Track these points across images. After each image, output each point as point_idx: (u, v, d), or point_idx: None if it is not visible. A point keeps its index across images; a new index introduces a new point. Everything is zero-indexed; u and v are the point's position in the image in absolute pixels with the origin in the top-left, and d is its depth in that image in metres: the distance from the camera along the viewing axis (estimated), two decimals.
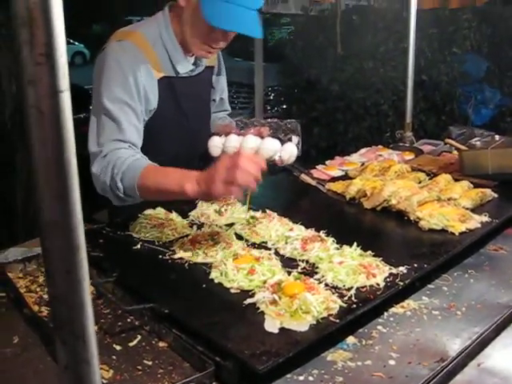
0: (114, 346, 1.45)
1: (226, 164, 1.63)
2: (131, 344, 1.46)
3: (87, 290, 0.61)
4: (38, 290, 1.72)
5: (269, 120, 2.37)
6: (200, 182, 1.69)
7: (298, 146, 2.30)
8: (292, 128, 2.33)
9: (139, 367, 1.36)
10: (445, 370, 1.33)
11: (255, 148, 2.19)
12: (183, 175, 1.76)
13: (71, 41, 21.39)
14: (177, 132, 2.24)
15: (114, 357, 1.40)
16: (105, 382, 1.30)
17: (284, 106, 7.24)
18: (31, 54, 0.53)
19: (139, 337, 1.49)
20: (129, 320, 1.57)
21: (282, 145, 2.24)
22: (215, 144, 2.26)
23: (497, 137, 3.02)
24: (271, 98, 7.53)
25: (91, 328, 0.63)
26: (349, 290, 1.56)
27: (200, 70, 2.33)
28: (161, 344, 1.46)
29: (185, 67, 2.21)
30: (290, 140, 2.28)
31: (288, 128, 2.33)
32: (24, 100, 0.54)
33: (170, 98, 2.19)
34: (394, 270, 1.68)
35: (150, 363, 1.38)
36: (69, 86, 0.55)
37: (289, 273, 1.65)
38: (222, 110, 2.69)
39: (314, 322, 1.41)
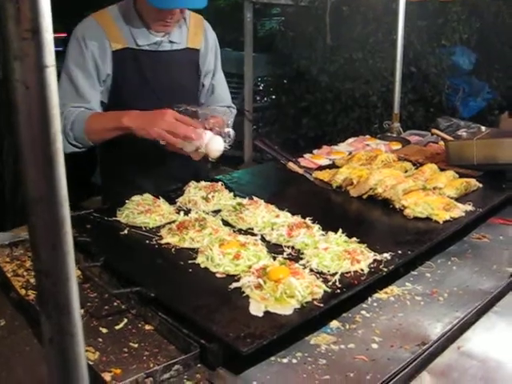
0: (101, 328, 1.46)
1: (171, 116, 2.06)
2: (117, 327, 1.47)
3: (72, 264, 0.62)
4: (24, 274, 1.72)
5: (204, 109, 2.34)
6: (141, 119, 2.10)
7: (229, 139, 2.25)
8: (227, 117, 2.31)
9: (125, 349, 1.37)
10: (425, 353, 1.36)
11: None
12: (121, 112, 2.15)
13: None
14: (145, 104, 2.26)
15: (101, 339, 1.41)
16: (91, 363, 1.31)
17: (273, 97, 7.23)
18: (17, 29, 0.54)
19: (125, 320, 1.50)
20: (115, 304, 1.58)
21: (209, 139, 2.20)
22: None
23: (483, 128, 3.06)
24: (261, 88, 7.51)
25: (75, 301, 0.64)
26: (333, 275, 1.59)
27: (173, 47, 2.41)
28: (147, 327, 1.47)
29: (146, 40, 2.34)
30: (219, 133, 2.23)
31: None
32: (10, 75, 0.55)
33: (133, 69, 2.34)
34: (379, 257, 1.71)
35: (135, 346, 1.39)
36: (55, 62, 0.56)
37: (274, 258, 1.66)
38: (223, 105, 2.66)
39: (299, 306, 1.43)
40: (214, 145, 2.19)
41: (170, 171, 2.44)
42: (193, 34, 2.47)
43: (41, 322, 0.65)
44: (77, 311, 0.66)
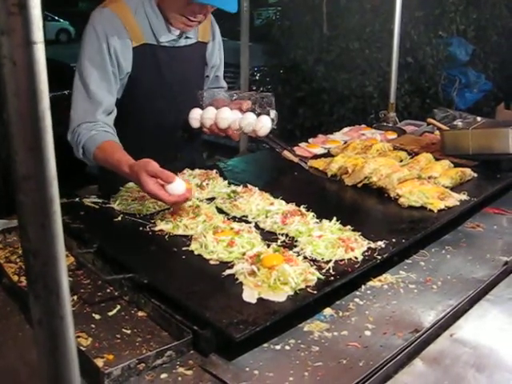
0: (94, 315, 1.46)
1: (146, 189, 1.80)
2: (110, 313, 1.47)
3: (61, 244, 0.61)
4: (17, 260, 1.72)
5: (246, 93, 2.45)
6: (133, 174, 1.85)
7: (274, 120, 2.36)
8: (268, 102, 2.39)
9: (118, 336, 1.37)
10: (418, 340, 1.36)
11: (229, 119, 2.30)
12: (124, 160, 1.93)
13: (56, 18, 21.04)
14: (160, 101, 2.30)
15: (93, 326, 1.41)
16: (83, 349, 1.31)
17: (269, 86, 7.20)
18: (4, 3, 0.53)
19: (118, 306, 1.50)
20: (108, 290, 1.58)
21: (258, 117, 2.32)
22: (194, 116, 2.35)
23: (478, 118, 3.06)
24: (257, 78, 7.48)
25: (65, 282, 0.63)
26: (327, 262, 1.59)
27: (187, 43, 2.37)
28: (140, 313, 1.47)
29: (166, 37, 2.26)
30: (266, 114, 2.34)
31: (264, 101, 2.38)
32: None
33: (151, 66, 2.25)
34: (373, 245, 1.70)
35: (128, 332, 1.39)
36: (43, 39, 0.55)
37: (268, 245, 1.66)
38: (217, 87, 2.68)
39: (292, 293, 1.43)
40: (264, 122, 2.29)
41: (166, 161, 2.43)
42: (202, 27, 2.42)
43: (29, 304, 0.64)
44: (66, 293, 0.65)
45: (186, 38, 2.36)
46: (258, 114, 2.33)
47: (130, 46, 2.18)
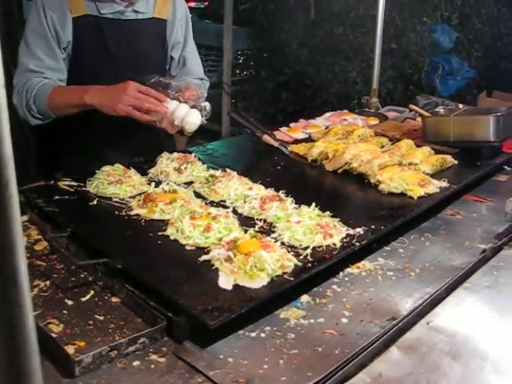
0: (66, 300, 1.43)
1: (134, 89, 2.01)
2: (83, 299, 1.44)
3: (18, 229, 0.58)
4: None
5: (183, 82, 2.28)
6: (103, 96, 2.05)
7: (207, 112, 2.23)
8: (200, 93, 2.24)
9: (90, 322, 1.34)
10: (395, 328, 1.35)
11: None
12: (84, 89, 2.11)
13: None
14: (107, 77, 2.18)
15: (66, 311, 1.38)
16: (54, 336, 1.28)
17: (252, 70, 7.14)
18: None
19: (92, 292, 1.47)
20: (82, 275, 1.55)
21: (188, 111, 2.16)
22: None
23: (460, 105, 3.06)
24: (240, 61, 7.40)
25: (23, 269, 0.60)
26: (305, 249, 1.57)
27: (138, 17, 2.33)
28: (113, 299, 1.44)
29: (109, 8, 2.25)
30: (198, 106, 2.20)
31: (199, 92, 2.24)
32: None
33: (95, 38, 2.26)
34: (351, 231, 1.69)
35: (101, 318, 1.36)
36: None
37: (245, 231, 1.64)
38: (195, 78, 2.56)
39: (269, 280, 1.41)
40: (191, 118, 2.14)
41: (133, 145, 2.38)
42: (161, 3, 2.37)
43: None
44: (25, 280, 0.62)
45: (136, 11, 2.31)
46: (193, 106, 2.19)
47: (69, 16, 2.21)
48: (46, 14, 2.18)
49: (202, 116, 2.19)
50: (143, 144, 2.38)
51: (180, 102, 2.16)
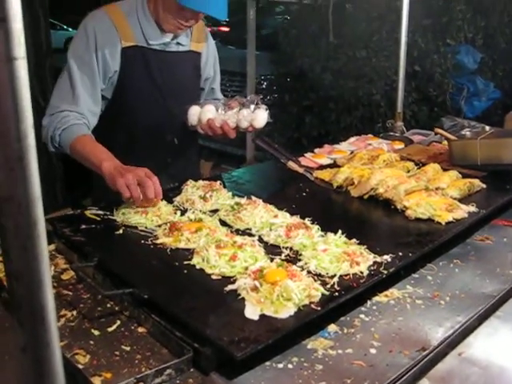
0: (93, 330, 1.43)
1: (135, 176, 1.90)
2: (110, 329, 1.44)
3: (46, 267, 0.58)
4: None
5: (231, 99, 2.46)
6: (113, 170, 1.95)
7: (267, 114, 2.37)
8: (253, 100, 2.41)
9: (117, 352, 1.34)
10: (425, 359, 1.32)
11: (226, 115, 2.34)
12: (106, 155, 2.05)
13: (64, 27, 21.18)
14: (150, 105, 2.35)
15: (92, 342, 1.38)
16: (81, 367, 1.28)
17: (276, 95, 7.17)
18: None
19: (118, 322, 1.47)
20: (108, 305, 1.55)
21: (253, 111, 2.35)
22: (193, 113, 2.37)
23: (487, 128, 3.01)
24: (264, 86, 7.45)
25: (51, 307, 0.60)
26: (332, 277, 1.55)
27: (179, 49, 2.42)
28: (140, 329, 1.44)
29: (157, 40, 2.33)
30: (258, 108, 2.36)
31: (250, 101, 2.41)
32: None
33: (141, 67, 2.32)
34: (379, 259, 1.67)
35: (127, 349, 1.36)
36: (25, 54, 0.52)
37: (271, 259, 1.63)
38: (213, 99, 2.70)
39: (295, 310, 1.39)
40: (259, 115, 2.31)
41: (156, 166, 2.41)
42: (196, 38, 2.49)
43: (13, 330, 0.61)
44: (52, 318, 0.62)
45: (178, 43, 2.41)
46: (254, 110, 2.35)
47: (119, 46, 2.26)
48: (96, 41, 2.21)
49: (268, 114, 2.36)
50: (170, 172, 2.41)
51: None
